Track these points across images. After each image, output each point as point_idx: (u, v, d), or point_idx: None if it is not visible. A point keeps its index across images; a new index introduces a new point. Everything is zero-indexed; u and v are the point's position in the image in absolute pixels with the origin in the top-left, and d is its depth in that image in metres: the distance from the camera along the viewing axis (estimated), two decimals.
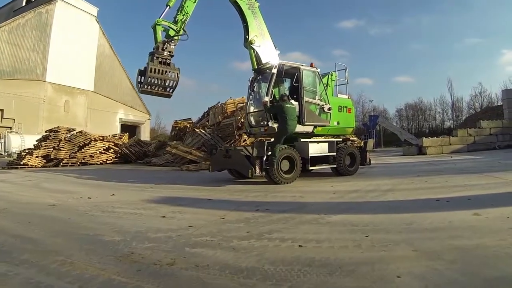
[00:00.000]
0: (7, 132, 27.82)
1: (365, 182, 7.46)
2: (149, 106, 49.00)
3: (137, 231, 3.63)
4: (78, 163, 17.77)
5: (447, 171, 9.51)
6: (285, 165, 8.03)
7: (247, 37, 8.95)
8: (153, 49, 8.05)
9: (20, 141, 26.71)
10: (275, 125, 7.92)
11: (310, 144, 8.47)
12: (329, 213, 4.31)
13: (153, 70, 7.79)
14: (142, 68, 8.12)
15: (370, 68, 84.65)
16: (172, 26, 8.14)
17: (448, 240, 3.00)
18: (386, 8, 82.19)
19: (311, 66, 8.77)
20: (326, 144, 9.03)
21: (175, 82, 8.06)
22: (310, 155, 8.40)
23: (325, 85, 9.17)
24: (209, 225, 3.85)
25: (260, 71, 8.84)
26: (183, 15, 8.22)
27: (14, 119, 30.04)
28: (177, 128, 20.22)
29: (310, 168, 8.46)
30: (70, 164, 17.36)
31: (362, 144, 10.37)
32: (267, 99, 7.84)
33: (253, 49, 8.92)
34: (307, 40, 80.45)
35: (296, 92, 8.46)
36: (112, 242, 3.24)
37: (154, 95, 8.20)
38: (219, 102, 18.43)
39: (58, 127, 19.19)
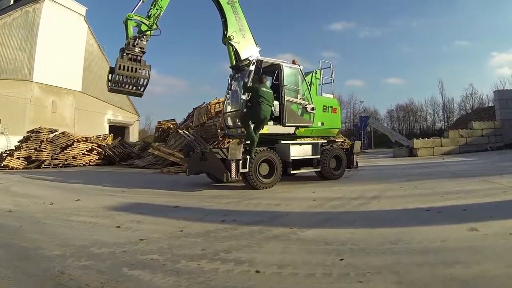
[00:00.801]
0: None
1: (350, 188, 6.85)
2: (139, 107, 48.12)
3: (81, 245, 3.30)
4: (61, 165, 17.19)
5: (439, 174, 8.99)
6: (264, 168, 7.41)
7: (225, 32, 8.37)
8: (124, 45, 7.51)
9: (6, 142, 25.84)
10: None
11: (291, 147, 7.87)
12: (303, 226, 3.72)
13: (121, 67, 7.22)
14: (113, 66, 7.55)
15: (361, 70, 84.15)
16: (144, 20, 7.60)
17: (441, 268, 2.41)
18: (375, 11, 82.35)
19: (293, 63, 8.17)
20: (310, 146, 8.43)
21: (146, 80, 7.45)
22: (291, 158, 7.81)
23: (308, 84, 8.58)
24: (162, 240, 3.43)
25: (238, 68, 8.20)
26: (157, 9, 7.67)
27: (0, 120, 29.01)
28: (160, 129, 19.51)
29: (292, 172, 7.85)
30: (52, 165, 16.80)
31: (349, 146, 9.78)
32: (244, 97, 7.21)
33: (232, 45, 8.32)
34: (298, 41, 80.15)
35: (277, 91, 7.83)
36: (49, 258, 2.94)
37: (125, 93, 7.65)
38: (204, 102, 17.77)
39: (39, 127, 18.48)
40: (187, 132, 16.03)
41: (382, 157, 21.32)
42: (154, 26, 7.61)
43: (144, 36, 7.51)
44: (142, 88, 7.56)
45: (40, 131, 17.74)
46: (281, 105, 7.67)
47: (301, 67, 8.21)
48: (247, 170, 7.03)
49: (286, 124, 7.69)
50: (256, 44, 8.78)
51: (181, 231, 3.74)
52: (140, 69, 7.37)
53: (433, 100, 58.03)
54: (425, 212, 4.21)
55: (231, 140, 12.38)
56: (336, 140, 9.65)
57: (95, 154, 19.30)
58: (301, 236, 3.42)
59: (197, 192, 7.11)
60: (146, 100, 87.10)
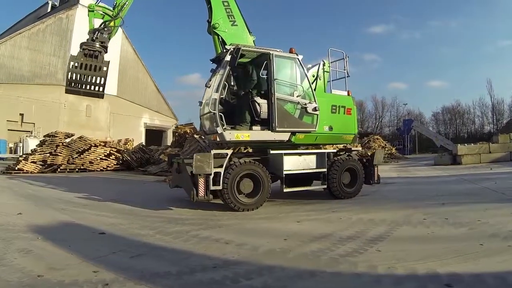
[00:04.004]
0: (26, 136, 27.78)
1: (353, 216, 5.06)
2: (181, 110, 48.50)
3: None
4: (77, 170, 16.76)
5: (484, 194, 6.89)
6: (247, 185, 5.86)
7: (209, 20, 6.95)
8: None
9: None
10: (228, 132, 5.77)
11: (285, 158, 6.21)
12: None
13: (73, 65, 6.15)
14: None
15: (403, 72, 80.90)
16: (108, 11, 6.58)
17: None
18: (411, 12, 78.95)
19: (291, 52, 6.50)
20: (313, 157, 6.70)
21: (102, 78, 6.28)
22: (285, 172, 6.14)
23: (314, 78, 6.90)
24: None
25: (219, 61, 6.65)
26: None
27: (34, 123, 30.05)
28: (177, 134, 18.56)
29: (285, 190, 6.19)
30: (68, 170, 16.38)
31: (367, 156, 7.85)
32: (216, 96, 5.71)
33: (217, 35, 6.89)
34: (337, 45, 78.00)
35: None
36: None
37: (82, 94, 6.57)
38: None
39: (55, 131, 18.26)
40: (202, 138, 14.91)
41: (422, 164, 18.77)
42: (119, 19, 6.68)
43: (106, 29, 6.44)
44: (101, 88, 6.39)
45: (56, 135, 17.45)
46: (270, 104, 6.07)
47: (301, 57, 6.52)
48: (220, 187, 5.52)
49: (277, 129, 6.05)
50: (250, 33, 7.30)
51: (40, 276, 2.80)
52: (96, 66, 6.23)
53: (481, 102, 53.64)
54: None
55: None
56: (353, 149, 7.80)
57: (112, 159, 18.75)
58: None
59: (161, 211, 5.93)
60: (189, 103, 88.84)
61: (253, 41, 7.30)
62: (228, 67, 5.85)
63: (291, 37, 74.96)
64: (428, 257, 3.01)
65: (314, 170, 6.64)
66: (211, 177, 5.45)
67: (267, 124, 6.11)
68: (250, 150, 7.59)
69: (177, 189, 7.14)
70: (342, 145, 7.70)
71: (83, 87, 6.45)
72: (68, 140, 17.89)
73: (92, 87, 6.48)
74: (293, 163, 6.38)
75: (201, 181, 5.41)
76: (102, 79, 6.40)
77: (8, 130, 28.25)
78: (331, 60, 7.46)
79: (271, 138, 6.15)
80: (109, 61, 6.50)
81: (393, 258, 3.02)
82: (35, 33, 30.67)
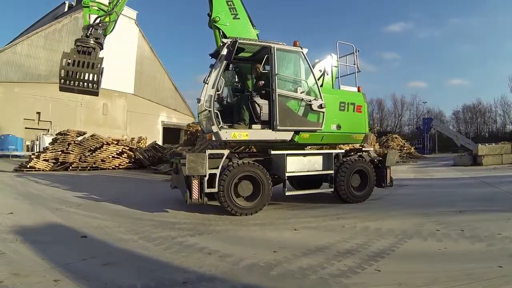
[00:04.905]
0: (42, 134, 28.29)
1: (358, 224, 4.59)
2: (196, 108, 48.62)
3: None
4: (89, 168, 16.83)
5: (504, 200, 6.31)
6: (246, 188, 5.47)
7: (210, 14, 6.59)
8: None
9: None
10: (225, 131, 5.40)
11: (288, 158, 5.78)
12: None
13: (65, 62, 5.96)
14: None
15: (423, 70, 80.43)
16: (102, 6, 6.31)
17: None
18: (431, 10, 78.55)
19: (295, 45, 6.05)
20: (319, 157, 6.25)
21: (95, 75, 6.04)
22: (287, 174, 5.72)
23: (322, 73, 6.44)
24: None
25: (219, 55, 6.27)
26: None
27: (50, 122, 30.59)
28: (188, 132, 18.33)
29: (287, 193, 5.77)
30: (80, 168, 16.48)
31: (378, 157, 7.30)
32: (211, 92, 5.34)
33: (218, 28, 6.52)
34: (357, 43, 76.82)
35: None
36: None
37: (76, 92, 6.34)
38: None
39: (67, 130, 18.38)
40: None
41: (441, 165, 17.92)
42: (114, 15, 6.38)
43: (100, 25, 6.18)
44: (95, 85, 6.13)
45: (68, 133, 17.54)
46: (271, 101, 5.65)
47: (305, 51, 6.07)
48: (215, 189, 5.16)
49: (278, 127, 5.63)
50: (253, 26, 6.89)
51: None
52: (89, 63, 5.98)
53: (504, 100, 52.28)
54: None
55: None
56: (364, 149, 7.28)
57: (125, 157, 18.75)
58: None
59: (156, 213, 5.63)
60: None
61: (257, 34, 6.89)
62: (224, 62, 5.47)
63: (305, 36, 74.57)
64: (434, 282, 2.54)
65: (320, 172, 6.20)
66: (206, 178, 5.10)
67: (268, 122, 5.70)
68: (255, 150, 7.23)
69: (178, 190, 6.85)
70: (353, 145, 7.19)
71: (77, 85, 6.20)
72: (80, 138, 17.95)
73: (86, 85, 6.22)
74: (296, 165, 5.95)
75: (195, 183, 5.06)
76: (95, 76, 6.13)
77: (25, 128, 28.86)
78: (341, 55, 7.00)
79: (272, 138, 5.72)
80: (102, 58, 6.21)
81: (393, 281, 2.56)
82: (51, 33, 31.17)
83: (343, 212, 5.55)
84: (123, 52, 37.27)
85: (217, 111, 5.43)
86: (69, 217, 5.32)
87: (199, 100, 6.14)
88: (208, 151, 5.25)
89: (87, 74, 6.06)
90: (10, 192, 8.27)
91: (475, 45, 72.71)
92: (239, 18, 6.77)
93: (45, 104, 30.08)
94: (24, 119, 28.89)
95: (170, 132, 41.06)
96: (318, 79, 6.33)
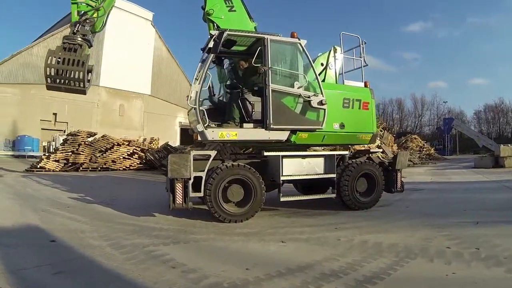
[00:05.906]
0: (58, 134, 28.75)
1: (356, 236, 4.03)
2: None
3: None
4: (99, 168, 16.80)
5: None
6: (237, 193, 5.00)
7: (204, 6, 6.18)
8: None
9: None
10: (211, 130, 4.94)
11: (284, 161, 5.27)
12: None
13: (50, 60, 5.69)
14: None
15: (443, 70, 79.95)
16: (90, 2, 6.00)
17: None
18: (449, 9, 78.00)
19: (292, 36, 5.52)
20: (320, 160, 5.70)
21: (81, 73, 5.73)
22: (282, 178, 5.20)
23: (323, 67, 5.92)
24: None
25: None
26: None
27: (67, 123, 31.06)
28: None
29: (282, 199, 5.26)
30: (90, 169, 16.46)
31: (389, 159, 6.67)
32: (196, 88, 4.89)
33: (212, 22, 6.10)
34: (376, 44, 75.75)
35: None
36: None
37: (63, 91, 6.06)
38: None
39: (78, 130, 18.46)
40: None
41: (461, 167, 16.99)
42: (102, 10, 6.06)
43: (87, 21, 5.87)
44: (82, 84, 5.82)
45: (78, 134, 17.60)
46: (264, 97, 5.15)
47: (304, 42, 5.53)
48: (201, 194, 4.72)
49: (272, 126, 5.13)
50: (251, 19, 6.44)
51: None
52: (74, 60, 5.67)
53: None
54: None
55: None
56: (371, 150, 6.67)
57: (136, 158, 18.70)
58: None
59: (141, 217, 5.30)
60: None
61: (255, 27, 6.43)
62: (211, 55, 5.02)
63: (321, 38, 73.69)
64: None
65: (321, 176, 5.65)
66: (191, 182, 4.67)
67: (261, 121, 5.21)
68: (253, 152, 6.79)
69: None
70: (358, 145, 6.61)
71: (63, 83, 5.92)
72: (90, 139, 17.95)
73: (72, 83, 5.93)
74: (294, 168, 5.43)
75: (179, 187, 4.64)
76: (81, 73, 5.82)
77: (42, 129, 29.34)
78: (345, 49, 6.45)
79: (265, 138, 5.22)
80: (88, 55, 5.91)
81: None
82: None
83: (344, 221, 4.99)
84: (139, 53, 37.58)
85: (203, 109, 4.99)
86: (50, 219, 5.13)
87: (188, 98, 5.74)
88: (193, 152, 4.81)
89: (73, 72, 5.76)
90: (7, 193, 8.15)
91: (496, 44, 71.83)
92: (235, 11, 6.33)
93: (62, 105, 30.48)
94: (41, 120, 29.40)
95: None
96: (320, 74, 5.81)
